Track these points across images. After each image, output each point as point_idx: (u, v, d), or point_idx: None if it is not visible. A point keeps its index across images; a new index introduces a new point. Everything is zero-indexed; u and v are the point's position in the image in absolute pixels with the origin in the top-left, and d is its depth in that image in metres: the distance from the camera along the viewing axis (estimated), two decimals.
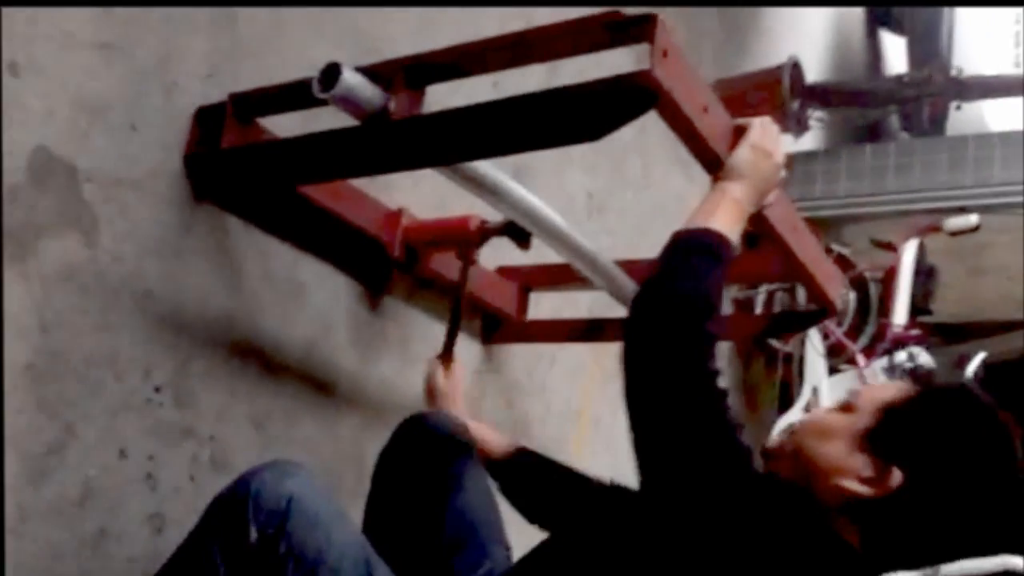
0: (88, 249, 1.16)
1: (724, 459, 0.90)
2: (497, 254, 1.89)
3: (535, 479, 1.37)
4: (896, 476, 0.91)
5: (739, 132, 1.14)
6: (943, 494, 0.92)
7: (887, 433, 0.95)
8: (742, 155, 1.12)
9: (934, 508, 0.92)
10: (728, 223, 1.06)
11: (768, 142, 1.15)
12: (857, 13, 6.30)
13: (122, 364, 1.20)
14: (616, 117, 0.97)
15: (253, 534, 0.97)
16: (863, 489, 0.92)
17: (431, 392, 1.50)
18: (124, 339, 1.20)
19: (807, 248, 1.38)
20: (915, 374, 3.12)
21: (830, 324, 3.29)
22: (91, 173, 1.17)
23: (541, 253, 1.77)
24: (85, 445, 1.15)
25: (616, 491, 1.26)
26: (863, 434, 0.95)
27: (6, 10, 1.08)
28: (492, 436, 1.40)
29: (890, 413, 0.96)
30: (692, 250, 1.02)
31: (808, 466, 0.97)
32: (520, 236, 1.42)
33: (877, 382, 3.24)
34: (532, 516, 1.35)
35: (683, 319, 0.94)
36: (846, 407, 1.00)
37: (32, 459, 1.09)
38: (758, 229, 1.26)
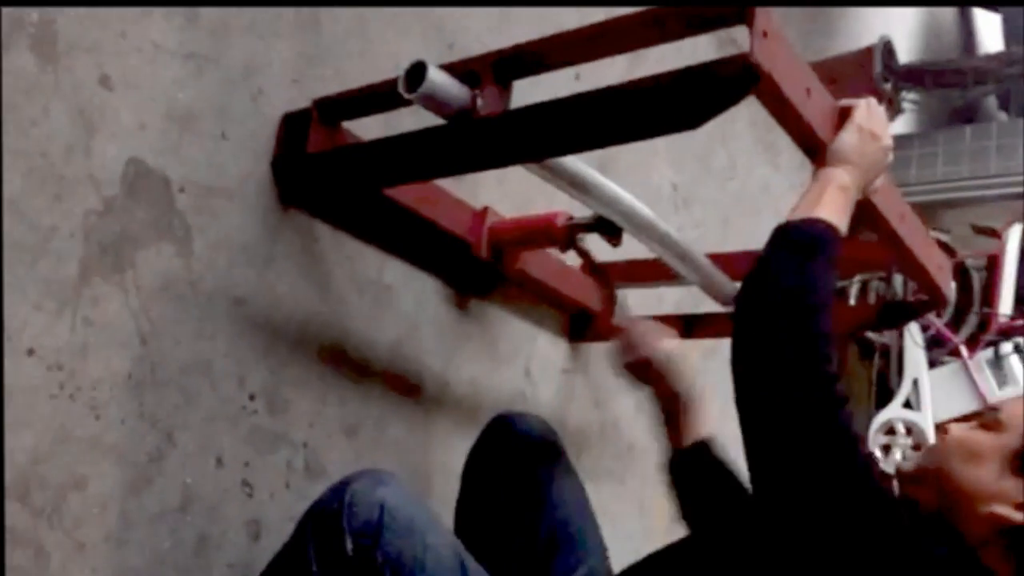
0: (182, 259, 1.17)
1: (845, 475, 0.83)
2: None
3: (704, 479, 1.23)
4: None
5: (843, 115, 1.08)
6: None
7: None
8: (848, 139, 1.06)
9: None
10: (835, 212, 1.00)
11: (875, 124, 1.08)
12: None
13: (217, 372, 1.21)
14: (716, 103, 0.92)
15: (349, 544, 0.95)
16: (1019, 516, 0.85)
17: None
18: (219, 347, 1.21)
19: (916, 237, 1.30)
20: None
21: (930, 315, 3.15)
22: (184, 183, 1.18)
23: (626, 249, 1.72)
24: (184, 453, 1.16)
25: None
26: (1016, 455, 0.88)
27: (101, 21, 1.09)
28: (693, 422, 1.25)
29: None
30: (799, 243, 0.96)
31: (954, 491, 0.90)
32: (611, 231, 1.38)
33: (983, 376, 3.09)
34: (684, 513, 1.24)
35: (795, 319, 0.88)
36: (991, 424, 0.92)
37: (135, 468, 1.10)
38: (864, 218, 1.19)
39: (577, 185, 1.23)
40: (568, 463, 1.34)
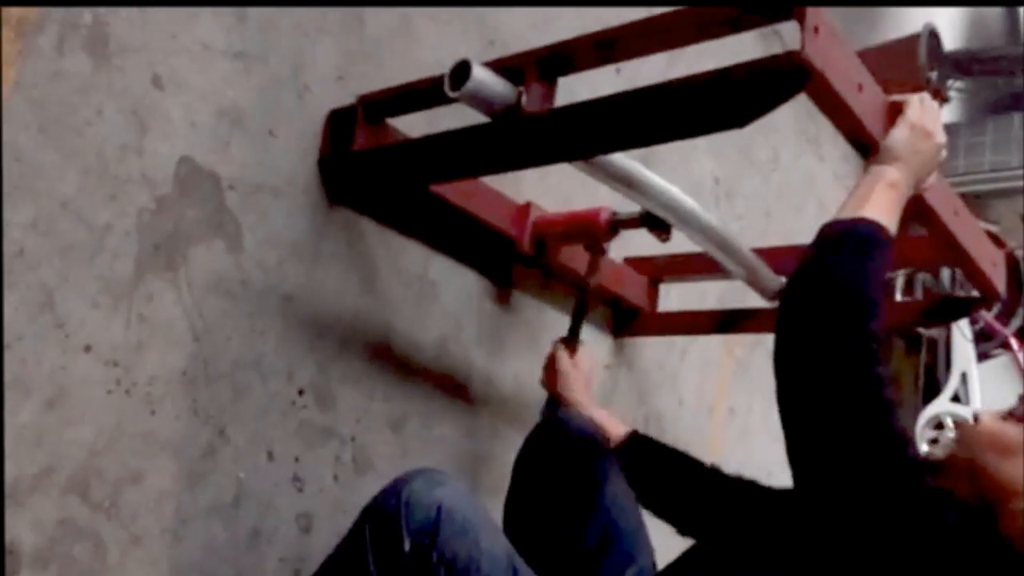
0: (233, 256, 1.19)
1: (894, 477, 0.82)
2: (627, 245, 1.85)
3: (650, 464, 1.33)
4: None
5: (895, 111, 1.06)
6: None
7: None
8: (900, 135, 1.04)
9: None
10: (884, 210, 0.98)
11: (928, 120, 1.06)
12: None
13: (267, 368, 1.22)
14: (765, 101, 0.91)
15: (407, 544, 0.96)
16: None
17: (551, 374, 1.47)
18: (269, 343, 1.23)
19: (970, 233, 1.28)
20: None
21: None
22: (233, 181, 1.19)
23: (671, 242, 1.71)
24: (236, 448, 1.18)
25: (747, 487, 1.21)
26: None
27: (152, 22, 1.11)
28: (611, 423, 1.37)
29: None
30: (846, 241, 0.94)
31: (990, 486, 0.87)
32: (659, 226, 1.38)
33: None
34: (646, 502, 1.31)
35: (844, 319, 0.87)
36: (1023, 417, 0.90)
37: (189, 463, 1.12)
38: (917, 215, 1.17)
39: (623, 180, 1.22)
40: (616, 464, 1.34)
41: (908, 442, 0.85)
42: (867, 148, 1.04)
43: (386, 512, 0.97)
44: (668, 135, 0.98)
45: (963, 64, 3.35)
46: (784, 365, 0.89)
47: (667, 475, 1.31)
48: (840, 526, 0.84)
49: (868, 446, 0.83)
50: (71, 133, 1.03)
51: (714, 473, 1.28)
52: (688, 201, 1.31)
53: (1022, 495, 0.85)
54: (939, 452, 0.99)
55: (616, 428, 1.36)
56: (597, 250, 1.53)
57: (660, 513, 1.30)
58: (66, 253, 1.02)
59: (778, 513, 1.06)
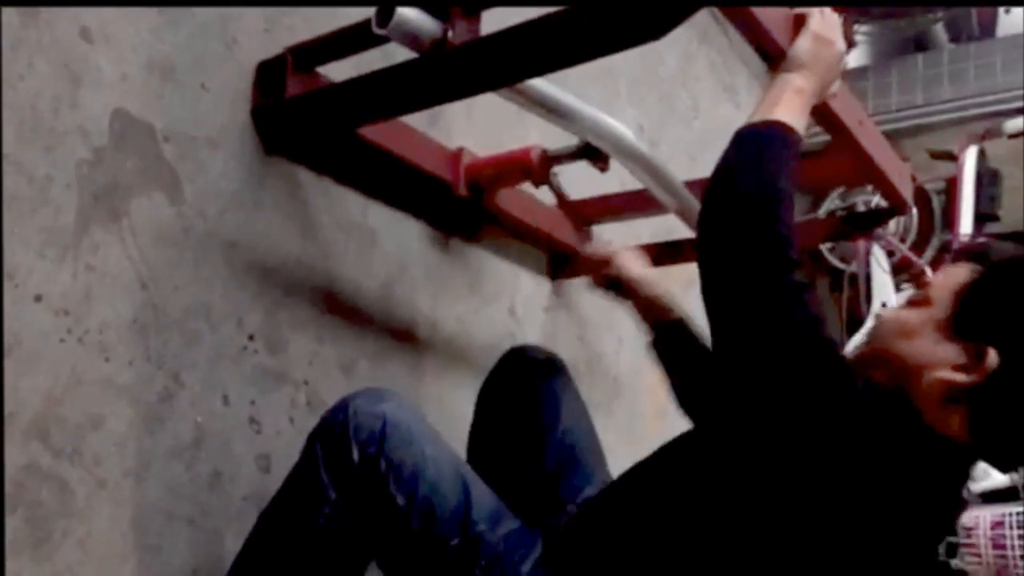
0: (175, 206, 1.21)
1: (809, 352, 0.89)
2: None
3: (684, 354, 1.38)
4: (992, 357, 0.88)
5: (799, 22, 1.13)
6: None
7: (970, 314, 0.92)
8: (803, 44, 1.11)
9: None
10: (792, 113, 1.04)
11: (828, 30, 1.13)
12: None
13: (216, 315, 1.25)
14: (676, 12, 0.97)
15: (355, 454, 1.01)
16: (961, 377, 0.90)
17: (598, 269, 1.49)
18: (216, 291, 1.25)
19: (874, 143, 1.37)
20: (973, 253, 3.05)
21: (894, 240, 3.24)
22: (168, 132, 1.21)
23: (598, 184, 1.78)
24: (192, 392, 1.20)
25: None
26: (947, 322, 0.93)
27: None
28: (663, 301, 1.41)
29: (968, 295, 0.94)
30: (757, 142, 1.01)
31: (899, 366, 0.95)
32: (597, 156, 1.44)
33: None
34: (674, 385, 1.39)
35: (755, 208, 0.93)
36: (920, 301, 0.98)
37: (146, 407, 1.14)
38: (824, 124, 1.25)
39: (563, 114, 1.28)
40: (574, 387, 1.39)
41: (821, 321, 0.91)
42: (773, 58, 1.11)
43: (334, 426, 1.02)
44: (591, 52, 1.03)
45: (865, 6, 3.48)
46: (706, 257, 0.95)
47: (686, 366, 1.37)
48: (764, 409, 0.90)
49: (783, 325, 0.89)
50: (5, 87, 1.04)
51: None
52: (622, 129, 1.37)
53: (927, 368, 0.92)
54: (854, 352, 1.07)
55: (665, 313, 1.40)
56: (551, 185, 1.58)
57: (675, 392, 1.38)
58: (10, 204, 1.03)
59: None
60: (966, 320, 0.93)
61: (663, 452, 1.11)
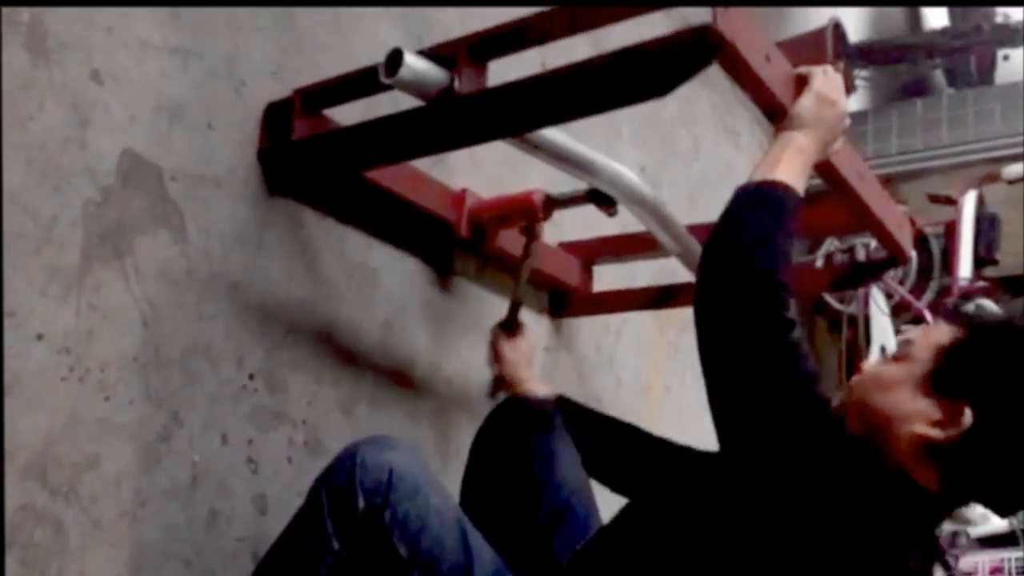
0: (178, 245, 1.22)
1: (799, 411, 0.91)
2: (561, 231, 1.92)
3: (577, 426, 1.39)
4: (967, 415, 0.90)
5: (802, 81, 1.15)
6: (1015, 424, 0.90)
7: (950, 372, 0.93)
8: (805, 103, 1.12)
9: (1009, 440, 0.90)
10: (793, 173, 1.06)
11: (831, 90, 1.15)
12: None
13: (217, 354, 1.25)
14: (682, 71, 0.98)
15: (361, 503, 1.01)
16: (936, 432, 0.91)
17: (496, 358, 1.54)
18: (218, 330, 1.25)
19: (875, 195, 1.38)
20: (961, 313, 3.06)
21: (894, 283, 3.25)
22: (175, 172, 1.22)
23: (602, 226, 1.79)
24: (190, 431, 1.20)
25: (670, 448, 1.29)
26: (926, 378, 0.94)
27: (88, 18, 1.13)
28: (539, 388, 1.45)
29: (949, 352, 0.94)
30: (757, 201, 1.02)
31: (876, 419, 0.95)
32: (605, 201, 1.45)
33: None
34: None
35: (752, 269, 0.95)
36: (900, 357, 0.99)
37: (145, 446, 1.14)
38: (825, 178, 1.26)
39: (574, 162, 1.29)
40: (568, 438, 1.39)
41: (813, 379, 0.93)
42: (776, 115, 1.12)
43: (341, 474, 1.02)
44: (596, 107, 1.05)
45: (867, 54, 3.53)
46: (702, 313, 0.97)
47: (592, 435, 1.38)
48: (753, 465, 0.92)
49: (775, 381, 0.91)
50: (14, 128, 1.05)
51: (634, 430, 1.36)
52: (631, 176, 1.39)
53: (903, 421, 0.93)
54: (835, 401, 1.08)
55: (543, 392, 1.44)
56: (532, 234, 1.59)
57: (590, 472, 1.36)
58: (15, 244, 1.03)
59: (702, 467, 1.14)
60: (945, 377, 0.93)
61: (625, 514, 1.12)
